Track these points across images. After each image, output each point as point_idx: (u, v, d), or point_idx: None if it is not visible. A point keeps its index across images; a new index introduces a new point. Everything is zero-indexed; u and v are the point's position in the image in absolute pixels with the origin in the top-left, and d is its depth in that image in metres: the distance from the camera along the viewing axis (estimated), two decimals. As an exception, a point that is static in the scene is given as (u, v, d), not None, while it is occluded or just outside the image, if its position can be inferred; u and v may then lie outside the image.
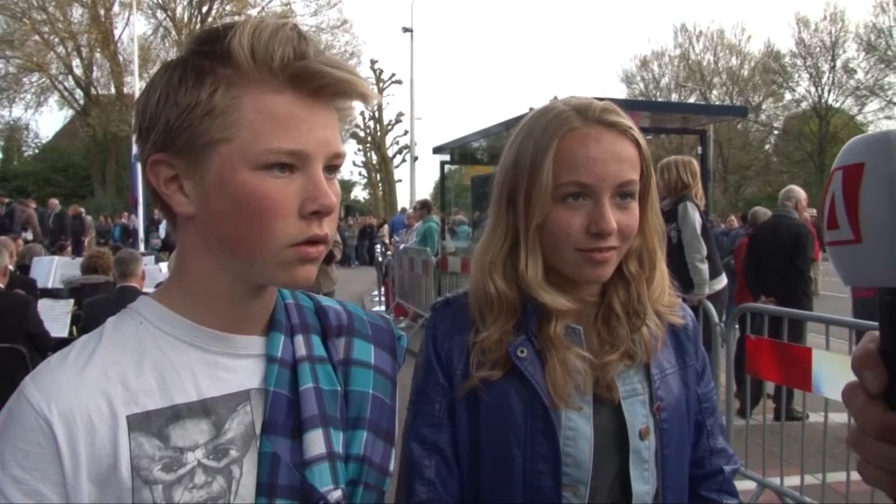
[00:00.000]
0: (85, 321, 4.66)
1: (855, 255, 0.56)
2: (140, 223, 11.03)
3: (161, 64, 0.93)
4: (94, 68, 34.98)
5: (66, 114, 37.10)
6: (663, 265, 1.29)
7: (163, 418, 0.86)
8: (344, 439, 0.96)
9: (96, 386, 0.84)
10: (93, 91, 34.61)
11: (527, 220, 1.20)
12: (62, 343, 4.62)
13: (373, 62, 35.93)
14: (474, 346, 1.23)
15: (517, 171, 1.22)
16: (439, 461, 1.23)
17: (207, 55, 0.86)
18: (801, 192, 6.47)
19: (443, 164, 12.57)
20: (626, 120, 1.20)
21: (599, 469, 1.20)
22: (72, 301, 5.46)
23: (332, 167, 0.90)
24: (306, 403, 0.93)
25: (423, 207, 11.97)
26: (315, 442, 0.92)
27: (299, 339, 0.98)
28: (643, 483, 1.22)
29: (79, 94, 35.15)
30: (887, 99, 38.09)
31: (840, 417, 4.10)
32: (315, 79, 0.86)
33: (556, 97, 1.30)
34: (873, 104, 38.87)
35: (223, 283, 0.91)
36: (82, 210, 18.72)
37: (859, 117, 39.28)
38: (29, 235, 12.95)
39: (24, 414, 0.82)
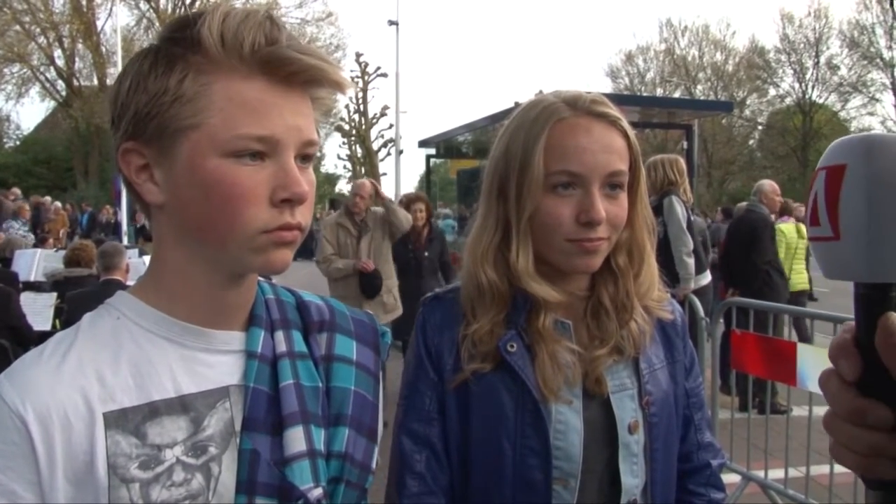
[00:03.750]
0: (68, 314, 4.63)
1: (834, 251, 0.58)
2: (123, 215, 10.95)
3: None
4: (77, 59, 34.59)
5: (48, 105, 36.74)
6: (652, 259, 1.29)
7: (140, 415, 0.84)
8: (325, 436, 0.95)
9: (72, 383, 0.83)
10: (75, 82, 34.21)
11: (518, 210, 1.20)
12: (45, 336, 4.58)
13: (358, 55, 35.72)
14: (465, 338, 1.22)
15: (507, 161, 1.22)
16: (429, 455, 1.23)
17: (178, 42, 0.85)
18: (767, 185, 6.57)
19: (428, 157, 12.54)
20: (615, 111, 1.21)
21: (589, 463, 1.20)
22: (55, 294, 5.41)
23: (305, 156, 0.89)
24: (286, 400, 0.92)
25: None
26: (295, 439, 0.91)
27: (280, 334, 0.97)
28: (632, 476, 1.22)
29: (61, 85, 34.74)
30: (870, 95, 38.55)
31: (824, 411, 4.13)
32: (286, 65, 0.84)
33: (541, 91, 1.30)
34: (856, 100, 39.35)
35: (198, 274, 0.90)
36: (47, 199, 18.14)
37: (842, 113, 39.69)
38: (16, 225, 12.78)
39: None
